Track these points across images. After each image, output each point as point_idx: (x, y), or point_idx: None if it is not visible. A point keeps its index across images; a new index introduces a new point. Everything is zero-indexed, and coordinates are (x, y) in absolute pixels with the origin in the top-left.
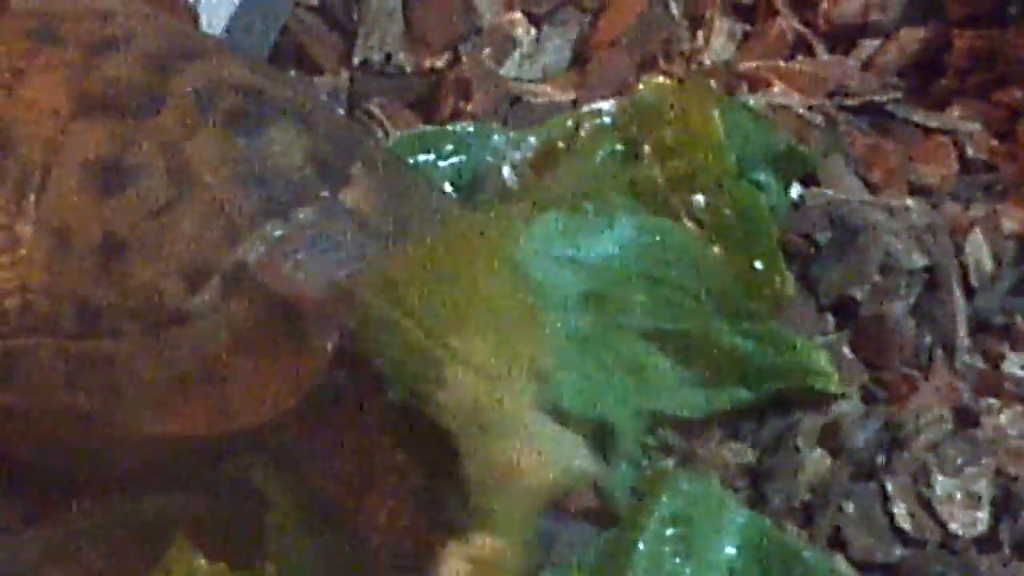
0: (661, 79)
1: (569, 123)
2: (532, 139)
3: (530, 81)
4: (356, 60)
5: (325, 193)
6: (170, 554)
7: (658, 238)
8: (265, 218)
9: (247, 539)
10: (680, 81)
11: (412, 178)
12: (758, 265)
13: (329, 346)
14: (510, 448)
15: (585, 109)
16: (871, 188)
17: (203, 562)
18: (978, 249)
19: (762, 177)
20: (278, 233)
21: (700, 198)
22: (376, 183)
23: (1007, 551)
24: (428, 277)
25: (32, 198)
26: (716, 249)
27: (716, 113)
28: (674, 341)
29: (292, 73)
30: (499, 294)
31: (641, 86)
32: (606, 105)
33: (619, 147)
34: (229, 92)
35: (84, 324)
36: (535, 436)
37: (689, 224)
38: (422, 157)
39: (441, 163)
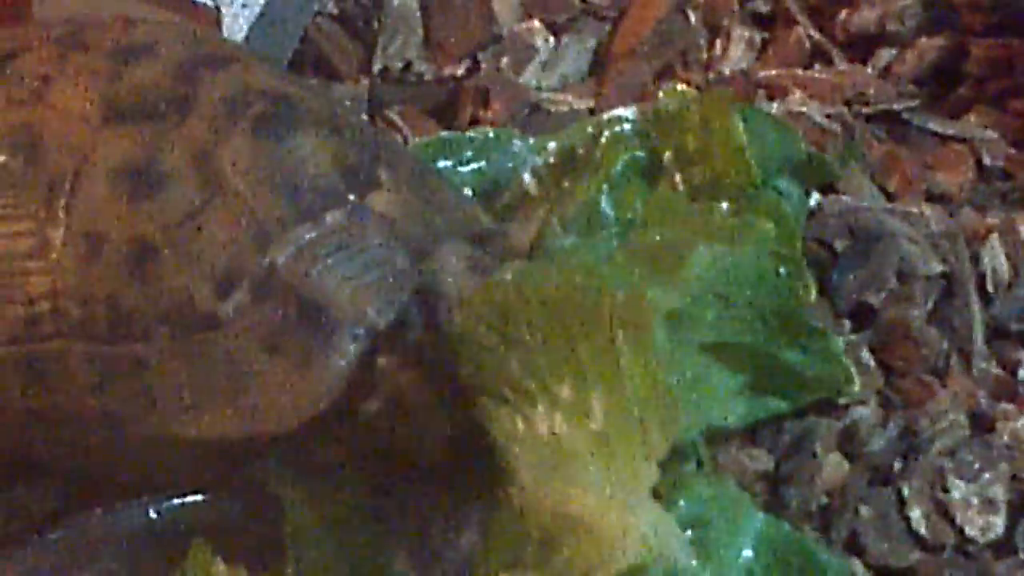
0: (682, 87)
1: (589, 130)
2: (552, 145)
3: (549, 89)
4: (376, 68)
5: (353, 197)
6: (189, 558)
7: (731, 259)
8: (294, 223)
9: (266, 544)
10: (700, 89)
11: (437, 182)
12: (782, 271)
13: (358, 351)
14: (581, 499)
15: (605, 116)
16: (888, 195)
17: (222, 566)
18: (995, 256)
19: (783, 185)
20: (307, 238)
21: (724, 206)
22: (402, 187)
23: (1023, 556)
24: (540, 312)
25: (63, 204)
26: None
27: (738, 121)
28: (731, 353)
29: (313, 81)
30: (609, 349)
31: (662, 94)
32: (627, 112)
33: (640, 154)
34: (257, 98)
35: (115, 328)
36: (630, 509)
37: None
38: (442, 163)
39: (461, 169)
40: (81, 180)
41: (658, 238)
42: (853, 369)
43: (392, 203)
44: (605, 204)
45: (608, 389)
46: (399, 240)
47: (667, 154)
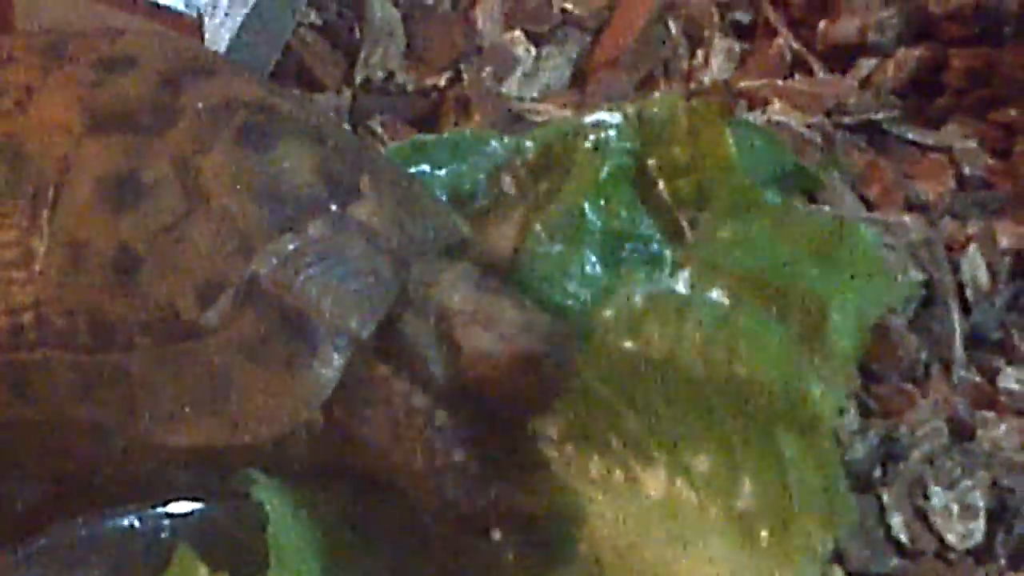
0: (669, 94)
1: (566, 130)
2: (529, 144)
3: (530, 99)
4: (358, 78)
5: (335, 207)
6: (173, 563)
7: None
8: (277, 233)
9: (250, 551)
10: (689, 98)
11: (417, 190)
12: None
13: (340, 359)
14: (700, 568)
15: (587, 119)
16: (869, 205)
17: (205, 572)
18: (975, 265)
19: (770, 196)
20: (290, 248)
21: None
22: (384, 196)
23: (1002, 562)
24: (681, 388)
25: (46, 214)
26: None
27: (728, 131)
28: None
29: (295, 91)
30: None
31: (649, 101)
32: (610, 117)
33: (625, 161)
34: (240, 108)
35: (98, 338)
36: None
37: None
38: (417, 167)
39: (437, 172)
40: (64, 190)
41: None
42: None
43: (374, 212)
44: (590, 212)
45: (763, 475)
46: (381, 249)
47: (651, 162)
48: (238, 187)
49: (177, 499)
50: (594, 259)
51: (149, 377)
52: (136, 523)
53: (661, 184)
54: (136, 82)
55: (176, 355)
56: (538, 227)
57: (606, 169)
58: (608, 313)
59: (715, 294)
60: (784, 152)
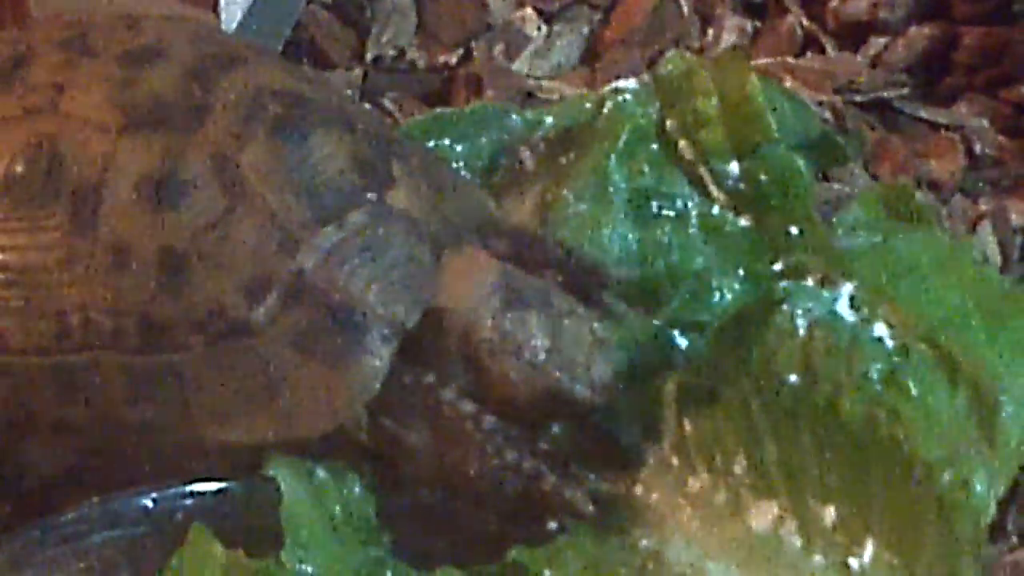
0: (685, 53)
1: (587, 105)
2: (549, 119)
3: (541, 77)
4: (369, 56)
5: (372, 196)
6: (188, 542)
7: None
8: (319, 226)
9: (263, 529)
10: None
11: (444, 170)
12: (794, 231)
13: (388, 350)
14: None
15: (605, 89)
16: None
17: (221, 550)
18: (986, 242)
19: (800, 163)
20: (332, 240)
21: (734, 167)
22: (416, 181)
23: (1014, 540)
24: (836, 452)
25: (88, 215)
26: (746, 219)
27: (755, 79)
28: None
29: (306, 68)
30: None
31: (665, 59)
32: (626, 83)
33: (643, 122)
34: (271, 99)
35: (146, 339)
36: None
37: (719, 194)
38: (436, 141)
39: (457, 146)
40: (105, 190)
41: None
42: None
43: (409, 199)
44: (615, 173)
45: (892, 545)
46: (420, 236)
47: (669, 121)
48: (277, 182)
49: (193, 479)
50: (622, 216)
51: (200, 376)
52: (152, 503)
53: (682, 141)
54: (166, 76)
55: (226, 353)
56: (564, 191)
57: (626, 131)
58: (772, 336)
59: (879, 329)
60: (812, 117)
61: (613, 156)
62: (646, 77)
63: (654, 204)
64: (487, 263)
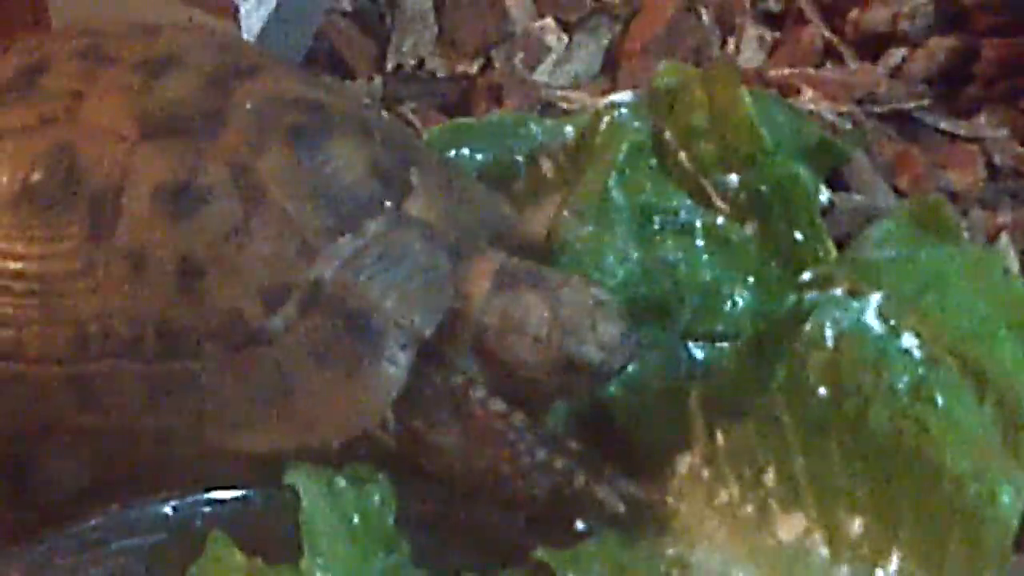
0: (679, 64)
1: (587, 119)
2: (569, 129)
3: (561, 87)
4: (389, 65)
5: (390, 204)
6: (207, 549)
7: None
8: (337, 234)
9: (282, 536)
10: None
11: (462, 177)
12: (799, 236)
13: (406, 358)
14: None
15: (602, 103)
16: (899, 194)
17: (239, 557)
18: (1006, 254)
19: (799, 170)
20: (350, 249)
21: (733, 178)
22: (433, 189)
23: None
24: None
25: (106, 224)
26: (751, 227)
27: (744, 91)
28: None
29: (326, 78)
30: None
31: (660, 71)
32: (622, 97)
33: (641, 137)
34: (289, 107)
35: (165, 347)
36: None
37: (722, 205)
38: (456, 151)
39: (477, 156)
40: (123, 199)
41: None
42: None
43: (427, 207)
44: (615, 191)
45: (918, 556)
46: (438, 245)
47: (668, 133)
48: (295, 190)
49: (212, 487)
50: (625, 235)
51: (218, 384)
52: (171, 510)
53: (682, 154)
54: (183, 85)
55: (244, 361)
56: (566, 212)
57: (624, 146)
58: (800, 347)
59: (907, 340)
60: (806, 125)
61: (613, 174)
62: (641, 90)
63: (656, 220)
64: (488, 262)
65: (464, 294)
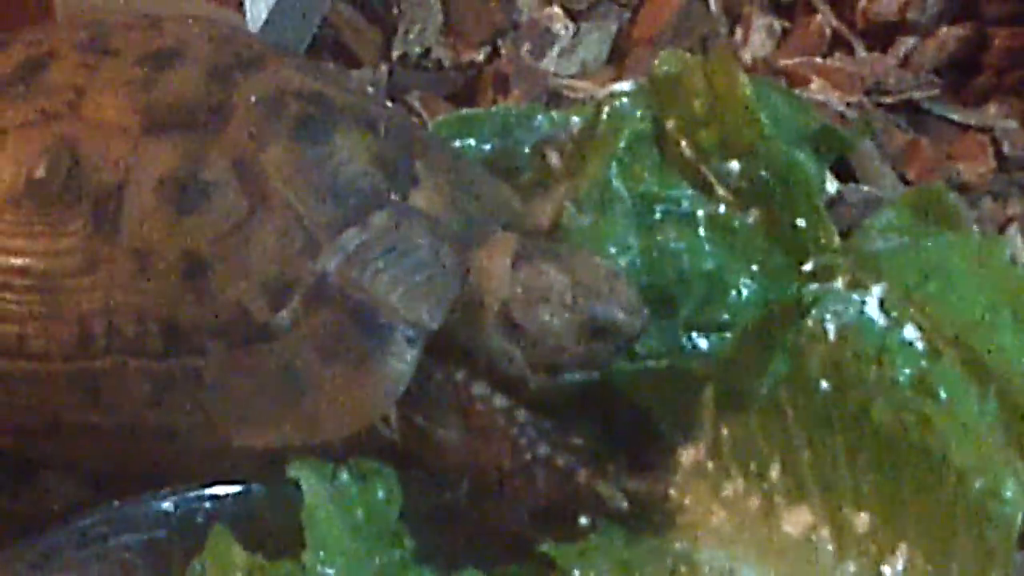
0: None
1: (591, 110)
2: (575, 119)
3: (568, 76)
4: (395, 54)
5: (395, 197)
6: (208, 545)
7: None
8: (342, 227)
9: (284, 531)
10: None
11: (468, 167)
12: (801, 223)
13: (412, 352)
14: None
15: (602, 93)
16: (908, 184)
17: (241, 553)
18: (1015, 245)
19: (799, 155)
20: (355, 243)
21: (735, 165)
22: (439, 180)
23: None
24: (866, 454)
25: (110, 219)
26: (753, 214)
27: (743, 77)
28: None
29: (331, 66)
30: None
31: (659, 59)
32: (623, 86)
33: (642, 126)
34: (293, 100)
35: (169, 343)
36: None
37: (724, 193)
38: (462, 141)
39: (484, 146)
40: (126, 194)
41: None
42: None
43: (433, 199)
44: (616, 181)
45: (924, 551)
46: (443, 237)
47: (669, 122)
48: (299, 183)
49: (214, 482)
50: (627, 225)
51: (223, 380)
52: (173, 506)
53: (683, 142)
54: (187, 78)
55: (249, 357)
56: (568, 203)
57: (625, 136)
58: (802, 341)
59: (909, 332)
60: (808, 112)
61: (614, 163)
62: (642, 79)
63: (658, 209)
64: (504, 240)
65: (482, 275)
